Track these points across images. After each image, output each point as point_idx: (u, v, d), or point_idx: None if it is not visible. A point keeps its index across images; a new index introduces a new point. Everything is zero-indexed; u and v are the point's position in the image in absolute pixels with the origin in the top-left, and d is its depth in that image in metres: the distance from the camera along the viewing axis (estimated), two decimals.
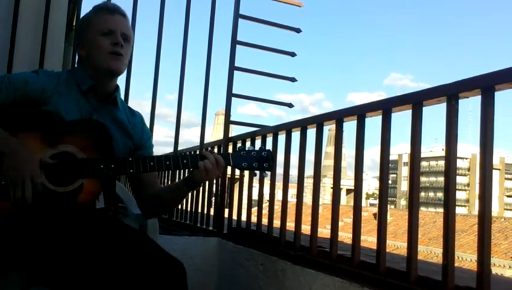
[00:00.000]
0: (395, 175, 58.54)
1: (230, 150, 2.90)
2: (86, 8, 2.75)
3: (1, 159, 1.30)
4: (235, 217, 2.73)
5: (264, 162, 1.50)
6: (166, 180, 4.07)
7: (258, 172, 1.54)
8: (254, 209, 2.53)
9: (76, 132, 1.41)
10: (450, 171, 1.45)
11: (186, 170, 1.52)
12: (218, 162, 1.46)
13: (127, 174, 1.50)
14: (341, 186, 2.03)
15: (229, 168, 2.95)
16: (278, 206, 2.23)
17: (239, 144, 2.65)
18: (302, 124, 2.13)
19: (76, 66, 1.55)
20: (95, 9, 1.55)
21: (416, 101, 1.58)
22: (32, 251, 1.32)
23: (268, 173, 1.60)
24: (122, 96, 1.67)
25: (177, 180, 3.20)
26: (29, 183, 1.29)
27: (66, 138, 1.39)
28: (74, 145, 1.38)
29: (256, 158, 1.49)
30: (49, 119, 1.40)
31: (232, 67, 2.95)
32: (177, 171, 3.41)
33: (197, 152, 2.73)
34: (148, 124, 1.75)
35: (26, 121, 1.39)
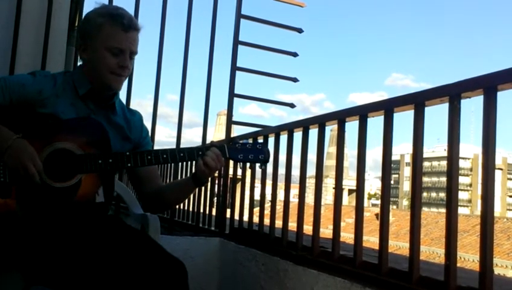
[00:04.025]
0: (397, 175, 58.52)
1: None
2: (88, 8, 2.76)
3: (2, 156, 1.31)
4: (237, 217, 2.74)
5: (259, 154, 1.50)
6: (168, 179, 4.07)
7: (258, 168, 1.54)
8: (256, 210, 2.53)
9: (73, 129, 1.41)
10: (452, 171, 1.45)
11: (193, 168, 1.52)
12: (217, 155, 1.45)
13: (125, 169, 1.50)
14: (343, 187, 2.03)
15: (230, 169, 2.95)
16: (279, 207, 2.23)
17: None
18: (304, 124, 2.13)
19: (78, 65, 1.53)
20: (110, 17, 1.42)
21: (418, 101, 1.57)
22: (33, 249, 1.32)
23: (266, 165, 1.60)
24: (124, 97, 1.67)
25: (179, 178, 3.21)
26: (31, 165, 1.30)
27: (64, 136, 1.39)
28: (72, 143, 1.39)
29: (251, 150, 1.50)
30: (46, 120, 1.40)
31: (234, 68, 2.94)
32: (180, 170, 3.42)
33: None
34: (150, 124, 1.76)
35: (23, 123, 1.39)
